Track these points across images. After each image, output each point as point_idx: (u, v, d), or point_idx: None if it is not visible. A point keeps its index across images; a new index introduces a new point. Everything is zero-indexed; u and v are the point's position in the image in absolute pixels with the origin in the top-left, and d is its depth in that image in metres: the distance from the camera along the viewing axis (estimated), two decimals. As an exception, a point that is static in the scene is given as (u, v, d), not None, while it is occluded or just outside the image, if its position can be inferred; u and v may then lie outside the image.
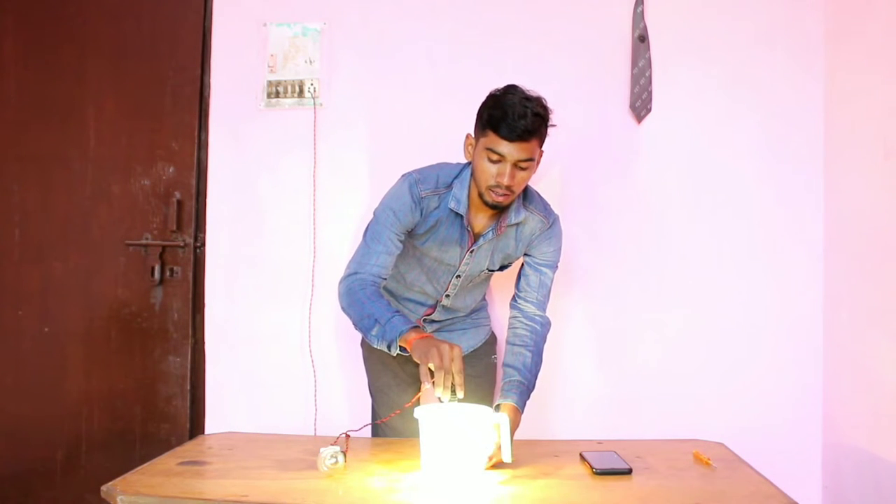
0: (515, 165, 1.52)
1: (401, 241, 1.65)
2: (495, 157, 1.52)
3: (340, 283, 1.63)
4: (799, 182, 2.18)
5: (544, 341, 1.75)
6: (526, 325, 1.73)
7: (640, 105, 2.16)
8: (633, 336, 2.20)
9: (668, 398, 2.17)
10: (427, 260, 1.73)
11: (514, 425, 1.53)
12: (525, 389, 1.64)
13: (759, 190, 2.18)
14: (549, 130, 1.57)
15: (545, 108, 1.53)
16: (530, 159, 1.53)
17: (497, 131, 1.50)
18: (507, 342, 1.73)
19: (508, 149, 1.50)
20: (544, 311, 1.76)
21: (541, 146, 1.57)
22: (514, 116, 1.48)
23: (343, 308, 1.61)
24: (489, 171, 1.54)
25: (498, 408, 1.58)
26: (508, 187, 1.54)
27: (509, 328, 1.76)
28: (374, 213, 1.68)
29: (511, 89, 1.55)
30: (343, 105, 2.26)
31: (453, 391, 1.38)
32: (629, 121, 2.19)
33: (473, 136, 1.61)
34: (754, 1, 2.18)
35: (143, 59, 2.36)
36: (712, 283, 2.19)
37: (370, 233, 1.66)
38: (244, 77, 2.28)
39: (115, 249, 2.36)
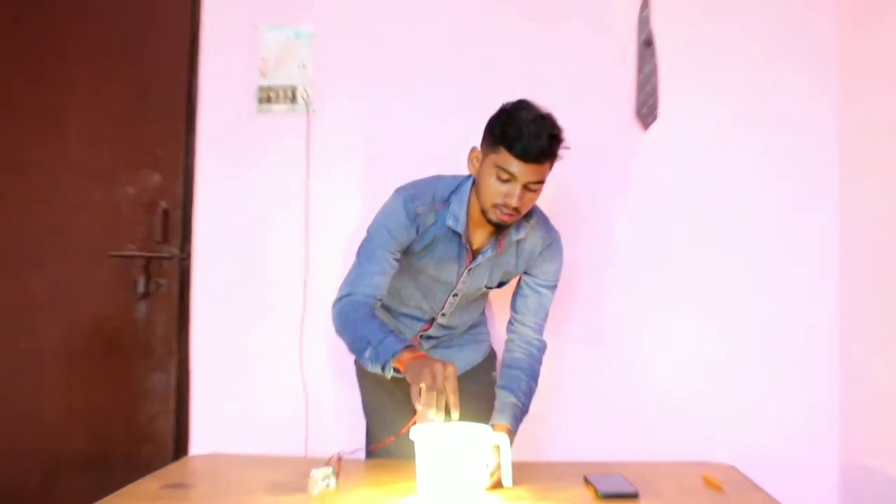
0: (525, 186, 1.53)
1: (396, 260, 1.65)
2: (505, 177, 1.52)
3: (333, 306, 1.63)
4: (813, 192, 2.18)
5: (540, 364, 1.78)
6: (523, 348, 1.76)
7: (647, 112, 2.17)
8: (639, 353, 2.20)
9: (676, 418, 2.17)
10: (423, 277, 1.74)
11: None
12: (520, 412, 1.67)
13: (771, 200, 2.19)
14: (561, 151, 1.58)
15: (559, 129, 1.54)
16: (541, 181, 1.55)
17: (511, 150, 1.50)
18: (503, 364, 1.76)
19: (521, 169, 1.50)
20: (542, 334, 1.79)
21: (552, 167, 1.58)
22: (529, 136, 1.48)
23: (337, 331, 1.61)
24: (496, 190, 1.54)
25: (492, 428, 1.59)
26: (516, 209, 1.54)
27: (506, 351, 1.79)
28: (368, 231, 1.68)
29: (524, 104, 1.55)
30: (337, 112, 2.27)
31: (448, 412, 1.37)
32: (635, 128, 2.20)
33: (480, 149, 1.60)
34: (765, 4, 2.20)
35: (129, 63, 2.37)
36: (722, 298, 2.19)
37: (363, 252, 1.66)
38: (234, 82, 2.29)
39: (96, 261, 2.35)
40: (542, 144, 1.49)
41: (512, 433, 1.62)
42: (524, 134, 1.48)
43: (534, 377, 1.74)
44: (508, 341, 1.79)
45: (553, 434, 2.19)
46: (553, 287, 1.78)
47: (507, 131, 1.50)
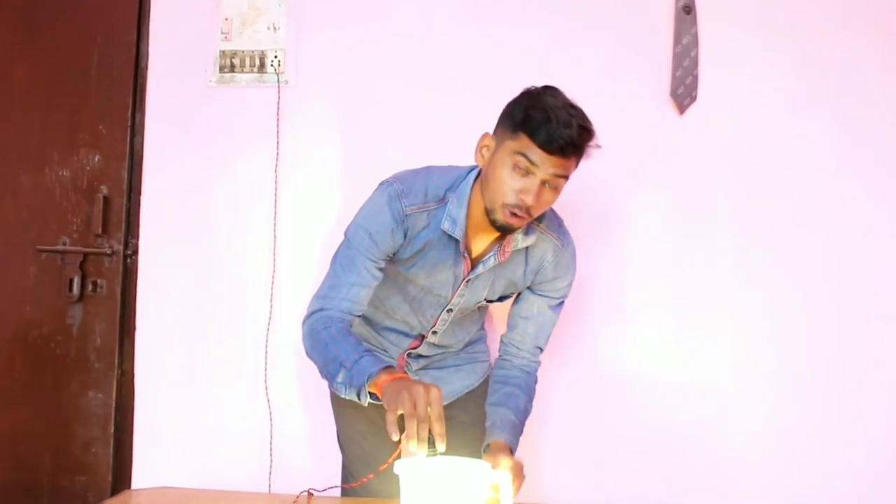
0: (545, 183, 1.53)
1: (380, 270, 1.65)
2: (524, 166, 1.52)
3: (303, 323, 1.64)
4: (887, 192, 2.18)
5: (536, 384, 1.82)
6: (519, 367, 1.80)
7: (684, 92, 2.17)
8: (668, 383, 2.21)
9: (713, 461, 2.18)
10: (412, 288, 1.74)
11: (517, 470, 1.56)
12: (519, 432, 1.70)
13: (834, 202, 2.18)
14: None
15: (590, 122, 1.54)
16: (563, 176, 1.55)
17: (534, 137, 1.49)
18: (495, 380, 1.80)
19: (543, 160, 1.50)
20: (539, 356, 1.83)
21: (576, 167, 1.58)
22: (557, 123, 1.48)
23: (307, 353, 1.62)
24: (511, 185, 1.53)
25: (488, 447, 1.62)
26: (529, 209, 1.54)
27: (497, 367, 1.82)
28: (346, 234, 1.67)
29: (550, 90, 1.55)
30: (314, 84, 2.27)
31: (431, 444, 1.36)
32: (669, 111, 2.20)
33: (493, 137, 1.60)
34: (829, -37, 2.19)
35: (64, 20, 2.36)
36: (775, 319, 2.19)
37: (340, 259, 1.65)
38: (191, 45, 2.30)
39: (23, 256, 2.36)
40: (572, 133, 1.49)
41: (513, 452, 1.64)
42: (551, 119, 1.48)
43: (531, 398, 1.78)
44: (501, 359, 1.82)
45: (563, 473, 2.20)
46: (560, 305, 1.80)
47: (531, 115, 1.50)
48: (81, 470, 2.35)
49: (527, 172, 1.52)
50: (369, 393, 1.47)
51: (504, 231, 1.62)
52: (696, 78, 2.18)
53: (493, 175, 1.56)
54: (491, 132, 1.61)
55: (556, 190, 1.57)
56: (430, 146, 2.09)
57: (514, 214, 1.55)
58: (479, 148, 1.61)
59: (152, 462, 2.30)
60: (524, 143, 1.51)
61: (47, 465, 2.35)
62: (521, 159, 1.51)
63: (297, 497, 1.54)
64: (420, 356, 1.87)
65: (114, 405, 2.34)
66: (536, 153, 1.49)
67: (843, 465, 2.17)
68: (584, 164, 1.58)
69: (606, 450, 2.22)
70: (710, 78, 2.19)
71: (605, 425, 2.22)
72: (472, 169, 1.67)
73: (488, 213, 1.59)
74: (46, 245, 2.37)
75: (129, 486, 2.28)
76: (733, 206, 2.21)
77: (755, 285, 2.20)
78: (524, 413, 1.73)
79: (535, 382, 1.81)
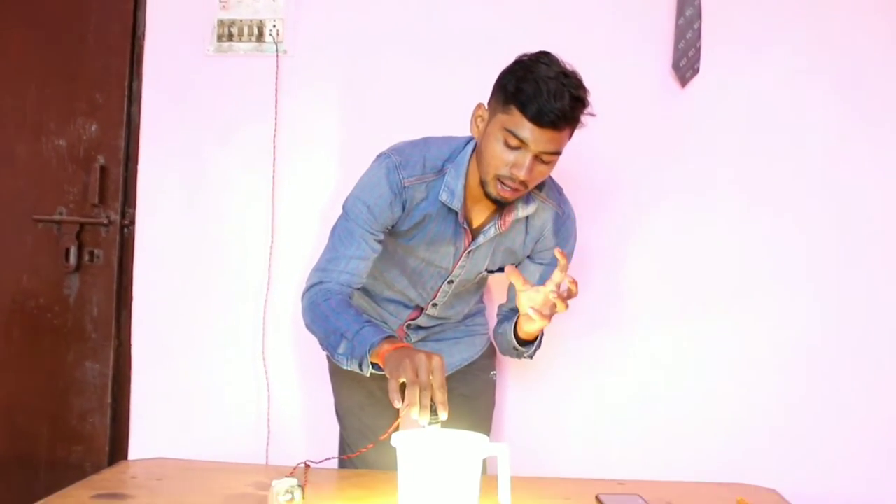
0: (537, 157, 1.52)
1: (379, 242, 1.66)
2: (515, 143, 1.51)
3: (303, 296, 1.65)
4: (890, 163, 2.18)
5: None
6: None
7: (686, 64, 2.17)
8: (670, 356, 2.22)
9: (711, 432, 2.19)
10: (412, 260, 1.74)
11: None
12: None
13: (838, 173, 2.19)
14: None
15: (585, 90, 1.53)
16: (557, 152, 1.54)
17: (524, 111, 1.48)
18: (499, 324, 1.83)
19: (534, 135, 1.49)
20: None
21: (571, 136, 1.57)
22: (548, 96, 1.47)
23: (307, 326, 1.63)
24: (502, 159, 1.53)
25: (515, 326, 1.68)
26: (523, 182, 1.54)
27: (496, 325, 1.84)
28: (344, 207, 1.68)
29: (545, 58, 1.53)
30: (314, 53, 2.26)
31: (433, 412, 1.38)
32: (671, 84, 2.20)
33: (487, 108, 1.60)
34: (832, -65, 2.18)
35: None
36: (777, 296, 2.20)
37: (339, 231, 1.66)
38: (188, 13, 2.28)
39: (19, 226, 2.37)
40: (563, 106, 1.47)
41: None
42: (542, 92, 1.46)
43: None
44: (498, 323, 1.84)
45: (563, 446, 2.22)
46: None
47: (521, 88, 1.48)
48: (78, 440, 2.37)
49: (518, 147, 1.51)
50: (371, 363, 1.48)
51: (498, 204, 1.62)
52: (698, 50, 2.17)
53: (486, 149, 1.56)
54: (485, 102, 1.60)
55: (550, 163, 1.56)
56: (429, 117, 2.07)
57: (507, 186, 1.55)
58: (474, 118, 1.61)
59: (149, 432, 2.30)
60: (515, 116, 1.50)
61: (44, 435, 2.37)
62: (512, 136, 1.50)
63: (295, 468, 1.55)
64: (419, 328, 1.88)
65: (111, 375, 2.36)
66: (527, 128, 1.49)
67: (851, 448, 2.19)
68: (585, 136, 1.56)
69: (609, 427, 2.23)
70: (713, 51, 2.18)
71: (607, 403, 2.23)
72: (469, 140, 1.66)
73: (483, 185, 1.59)
74: (43, 215, 2.37)
75: (125, 457, 2.29)
76: (735, 178, 2.21)
77: (759, 258, 2.20)
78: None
79: None
